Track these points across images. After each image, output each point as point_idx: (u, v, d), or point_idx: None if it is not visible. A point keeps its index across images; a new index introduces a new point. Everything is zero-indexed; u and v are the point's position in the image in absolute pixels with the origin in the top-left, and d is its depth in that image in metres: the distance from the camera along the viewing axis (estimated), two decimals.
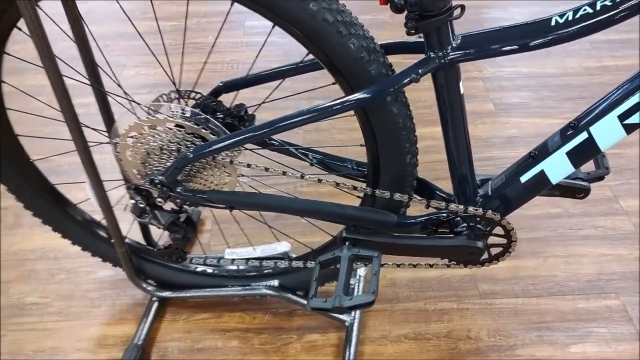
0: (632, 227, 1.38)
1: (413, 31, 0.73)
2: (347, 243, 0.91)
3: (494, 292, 1.26)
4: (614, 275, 1.28)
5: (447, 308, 1.23)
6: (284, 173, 0.89)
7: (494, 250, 0.97)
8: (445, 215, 0.91)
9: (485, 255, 0.96)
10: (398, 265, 1.03)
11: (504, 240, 0.94)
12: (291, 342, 1.18)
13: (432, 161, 1.63)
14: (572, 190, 0.98)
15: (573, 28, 0.71)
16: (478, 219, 0.90)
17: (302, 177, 0.89)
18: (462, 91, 0.81)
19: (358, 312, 1.20)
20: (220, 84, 0.98)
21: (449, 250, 0.92)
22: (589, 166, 0.93)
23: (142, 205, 0.94)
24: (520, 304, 1.24)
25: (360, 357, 1.14)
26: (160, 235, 1.19)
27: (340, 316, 1.18)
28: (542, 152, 0.85)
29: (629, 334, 1.17)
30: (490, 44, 0.75)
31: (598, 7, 0.70)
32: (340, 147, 1.54)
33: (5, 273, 1.32)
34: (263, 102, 0.96)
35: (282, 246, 1.11)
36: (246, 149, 0.96)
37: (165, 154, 0.91)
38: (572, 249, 1.35)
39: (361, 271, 1.24)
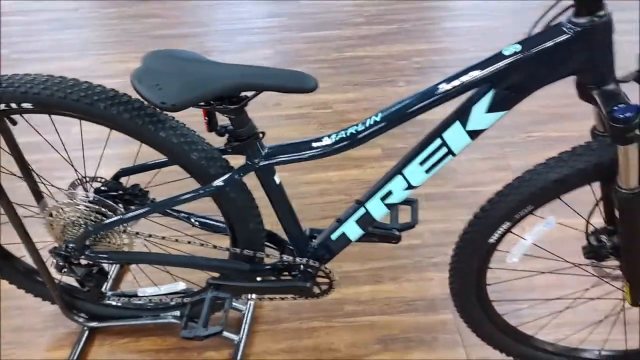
0: None
1: (230, 150, 1.07)
2: (211, 287, 1.25)
3: (356, 312, 1.61)
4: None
5: (317, 326, 1.58)
6: (163, 237, 1.23)
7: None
8: (282, 263, 1.25)
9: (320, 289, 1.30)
10: (271, 299, 1.37)
11: (327, 280, 1.28)
12: (192, 359, 1.51)
13: (324, 202, 1.98)
14: (387, 237, 1.32)
15: (338, 145, 1.06)
16: (303, 266, 1.24)
17: (176, 240, 1.23)
18: (277, 182, 1.15)
19: (245, 331, 1.54)
20: (120, 170, 1.31)
21: (287, 289, 1.26)
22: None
23: (61, 264, 1.27)
24: (376, 320, 1.58)
25: None
26: None
27: (231, 335, 1.52)
28: (343, 218, 1.19)
29: (453, 342, 1.52)
30: (288, 153, 1.09)
31: (349, 133, 1.04)
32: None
33: None
34: (148, 185, 1.30)
35: (180, 286, 1.45)
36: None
37: (76, 226, 1.24)
38: (424, 274, 1.70)
39: None
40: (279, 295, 1.30)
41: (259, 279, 1.29)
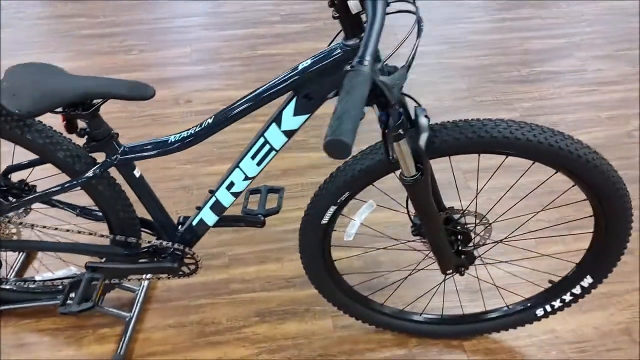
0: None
1: (89, 149, 1.24)
2: (88, 269, 1.42)
3: (240, 289, 1.80)
4: None
5: (203, 303, 1.76)
6: (44, 227, 1.39)
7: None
8: (152, 247, 1.43)
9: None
10: (158, 279, 1.55)
11: (193, 261, 1.46)
12: (87, 336, 1.68)
13: None
14: (252, 222, 1.50)
15: (183, 142, 1.24)
16: (170, 249, 1.42)
17: (56, 229, 1.39)
18: (137, 175, 1.32)
19: (137, 309, 1.71)
20: (7, 167, 1.46)
21: (157, 270, 1.44)
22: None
23: None
24: (256, 296, 1.78)
25: (134, 343, 1.66)
26: None
27: (123, 313, 1.69)
28: (201, 206, 1.37)
29: (322, 313, 1.72)
30: (142, 152, 1.27)
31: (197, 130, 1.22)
32: None
33: None
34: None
35: (71, 270, 1.62)
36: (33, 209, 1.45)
37: None
38: None
39: None
40: (152, 275, 1.48)
41: (141, 261, 1.47)
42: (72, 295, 1.51)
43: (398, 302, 1.67)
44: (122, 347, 1.62)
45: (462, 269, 1.38)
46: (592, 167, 1.15)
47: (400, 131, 1.05)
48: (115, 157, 1.26)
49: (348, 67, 0.79)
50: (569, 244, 1.86)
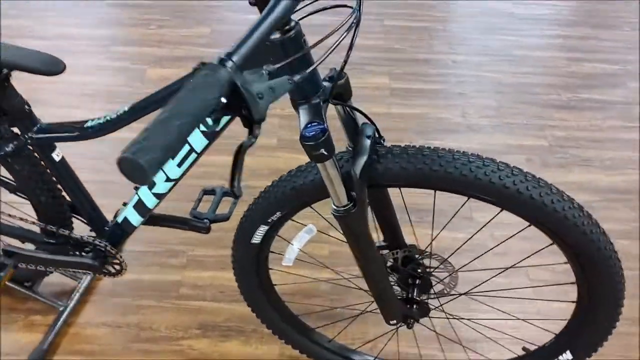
0: (327, 253, 1.75)
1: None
2: (5, 253, 1.29)
3: (188, 295, 1.64)
4: None
5: (146, 304, 1.61)
6: None
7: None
8: (73, 240, 1.28)
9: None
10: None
11: (117, 262, 1.31)
12: (18, 321, 1.56)
13: (200, 185, 1.99)
14: (196, 227, 1.34)
15: (100, 128, 1.08)
16: (91, 245, 1.27)
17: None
18: (58, 159, 1.17)
19: (75, 300, 1.58)
20: None
21: (75, 264, 1.30)
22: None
23: None
24: (204, 307, 1.61)
25: (62, 337, 1.53)
26: None
27: (58, 302, 1.56)
28: (128, 202, 1.21)
29: (270, 337, 1.54)
30: (59, 132, 1.12)
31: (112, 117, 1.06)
32: None
33: None
34: None
35: None
36: None
37: None
38: None
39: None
40: (71, 269, 1.33)
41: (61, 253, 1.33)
42: None
43: (352, 338, 1.46)
44: (47, 339, 1.49)
45: (411, 321, 1.16)
46: (572, 226, 0.91)
47: (323, 151, 0.85)
48: (28, 135, 1.12)
49: (198, 65, 0.60)
50: (550, 305, 1.58)
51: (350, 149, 1.00)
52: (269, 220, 1.09)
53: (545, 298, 1.52)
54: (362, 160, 0.91)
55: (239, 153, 0.73)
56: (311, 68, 0.77)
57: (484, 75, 2.52)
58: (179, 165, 1.06)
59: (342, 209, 0.94)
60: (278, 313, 1.33)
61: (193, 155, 1.04)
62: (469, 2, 3.03)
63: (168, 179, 1.10)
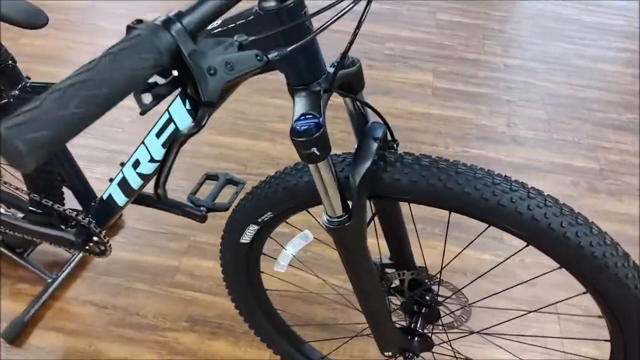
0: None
1: None
2: None
3: (183, 284, 1.53)
4: None
5: (138, 288, 1.51)
6: None
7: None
8: (56, 212, 1.19)
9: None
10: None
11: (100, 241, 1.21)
12: (5, 286, 1.49)
13: (213, 167, 1.89)
14: (191, 214, 1.22)
15: None
16: (74, 220, 1.17)
17: None
18: None
19: (64, 273, 1.50)
20: None
21: (55, 239, 1.20)
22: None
23: None
24: (197, 298, 1.50)
25: (46, 310, 1.44)
26: None
27: (47, 273, 1.48)
28: (113, 178, 1.10)
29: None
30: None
31: None
32: None
33: None
34: None
35: None
36: None
37: None
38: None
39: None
40: (52, 243, 1.24)
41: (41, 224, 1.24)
42: None
43: (350, 356, 1.33)
44: (29, 311, 1.41)
45: (410, 355, 1.01)
46: (612, 277, 0.75)
47: (315, 150, 0.70)
48: (11, 93, 1.02)
49: (133, 23, 0.47)
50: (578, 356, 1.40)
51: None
52: (259, 220, 0.96)
53: (574, 352, 1.35)
54: (365, 166, 0.77)
55: (172, 146, 0.59)
56: (297, 45, 0.63)
57: (537, 83, 2.31)
58: (164, 145, 0.94)
59: (335, 220, 0.80)
60: (268, 320, 1.21)
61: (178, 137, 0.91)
62: (531, 2, 2.81)
63: (152, 159, 0.98)
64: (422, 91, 2.22)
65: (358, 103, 0.81)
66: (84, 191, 1.18)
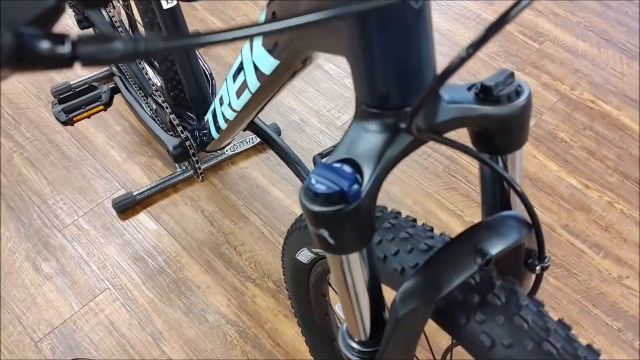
0: None
1: None
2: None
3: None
4: None
5: (252, 221, 1.33)
6: None
7: None
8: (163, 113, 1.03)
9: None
10: None
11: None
12: (141, 155, 1.45)
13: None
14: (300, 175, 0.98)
15: None
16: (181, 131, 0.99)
17: None
18: (167, 4, 0.87)
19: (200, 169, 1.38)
20: None
21: (156, 137, 1.06)
22: None
23: None
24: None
25: (161, 197, 1.36)
26: None
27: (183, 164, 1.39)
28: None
29: None
30: None
31: None
32: None
33: None
34: None
35: None
36: None
37: None
38: None
39: None
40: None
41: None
42: None
43: None
44: (146, 191, 1.35)
45: None
46: None
47: (328, 236, 0.36)
48: None
49: None
50: None
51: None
52: (314, 250, 0.66)
53: None
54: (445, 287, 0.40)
55: None
56: None
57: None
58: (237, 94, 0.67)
59: (357, 347, 0.45)
60: (329, 355, 0.93)
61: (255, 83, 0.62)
62: None
63: (230, 104, 0.72)
64: None
65: (496, 171, 0.42)
66: (199, 99, 0.99)
